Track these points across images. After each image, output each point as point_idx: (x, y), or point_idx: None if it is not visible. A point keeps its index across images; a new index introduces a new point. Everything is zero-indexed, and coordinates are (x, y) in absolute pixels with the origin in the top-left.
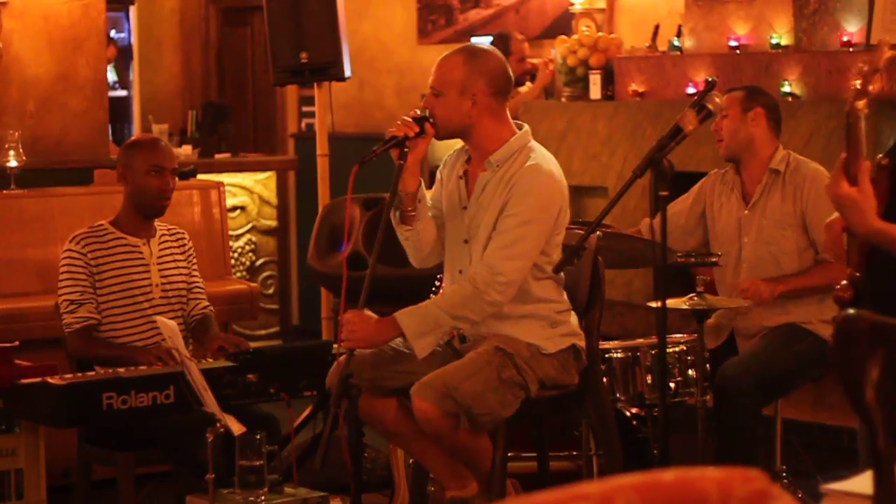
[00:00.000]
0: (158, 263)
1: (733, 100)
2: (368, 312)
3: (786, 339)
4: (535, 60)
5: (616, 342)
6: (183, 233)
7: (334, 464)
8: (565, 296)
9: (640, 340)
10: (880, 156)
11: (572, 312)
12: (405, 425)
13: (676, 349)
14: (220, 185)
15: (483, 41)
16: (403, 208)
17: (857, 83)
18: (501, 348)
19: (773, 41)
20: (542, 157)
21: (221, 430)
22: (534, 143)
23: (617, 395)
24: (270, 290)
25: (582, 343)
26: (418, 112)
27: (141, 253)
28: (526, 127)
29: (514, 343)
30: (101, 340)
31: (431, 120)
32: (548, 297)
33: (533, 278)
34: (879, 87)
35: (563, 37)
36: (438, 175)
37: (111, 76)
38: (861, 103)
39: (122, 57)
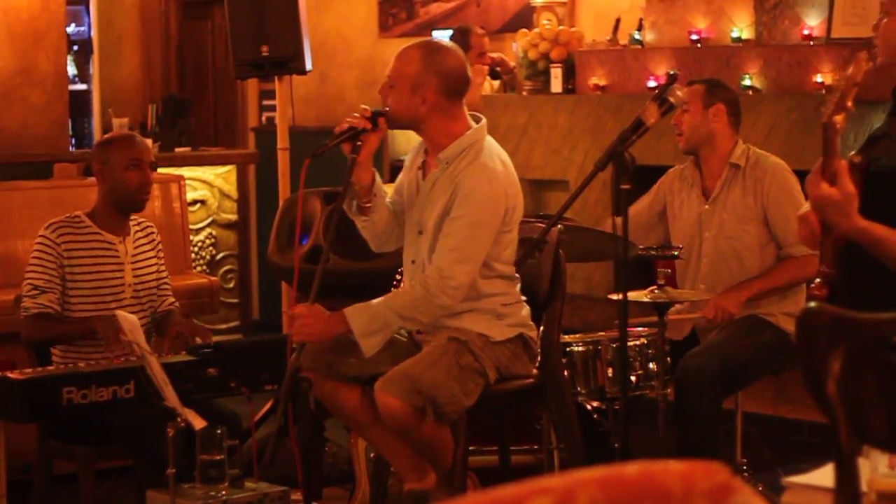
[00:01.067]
0: (133, 263)
1: (694, 94)
2: (319, 307)
3: (747, 331)
4: (494, 55)
5: (577, 335)
6: (152, 226)
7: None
8: (516, 288)
9: (601, 334)
10: (853, 153)
11: (522, 304)
12: (366, 414)
13: (637, 342)
14: (180, 178)
15: (443, 35)
16: (359, 201)
17: (835, 97)
18: (455, 337)
19: (734, 35)
20: (490, 154)
21: (182, 424)
22: (487, 141)
23: (578, 388)
24: (231, 285)
25: (531, 334)
26: (368, 109)
27: (117, 251)
28: (482, 122)
29: (465, 332)
30: (60, 318)
31: (385, 115)
32: (494, 292)
33: (482, 276)
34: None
35: (525, 30)
36: (406, 160)
37: (71, 70)
38: (839, 118)
39: (82, 51)
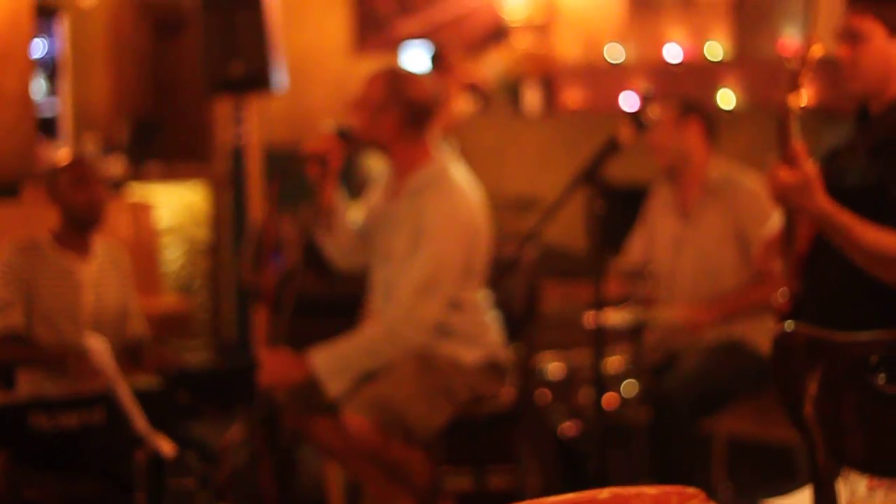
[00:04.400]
0: (94, 286)
1: (668, 112)
2: (284, 351)
3: (723, 355)
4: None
5: (553, 355)
6: (121, 251)
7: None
8: (486, 310)
9: (579, 354)
10: (811, 161)
11: (492, 326)
12: (340, 443)
13: (616, 363)
14: (150, 203)
15: (416, 49)
16: (324, 219)
17: (788, 78)
18: (423, 356)
19: (712, 52)
20: (454, 184)
21: (152, 450)
22: (451, 170)
23: (554, 410)
24: (203, 307)
25: (502, 354)
26: (331, 128)
27: (77, 274)
28: (445, 149)
29: (435, 353)
30: (29, 344)
31: (348, 135)
32: (462, 321)
33: (450, 309)
34: (810, 85)
35: (500, 49)
36: (378, 179)
37: (40, 88)
38: (793, 98)
39: (52, 69)
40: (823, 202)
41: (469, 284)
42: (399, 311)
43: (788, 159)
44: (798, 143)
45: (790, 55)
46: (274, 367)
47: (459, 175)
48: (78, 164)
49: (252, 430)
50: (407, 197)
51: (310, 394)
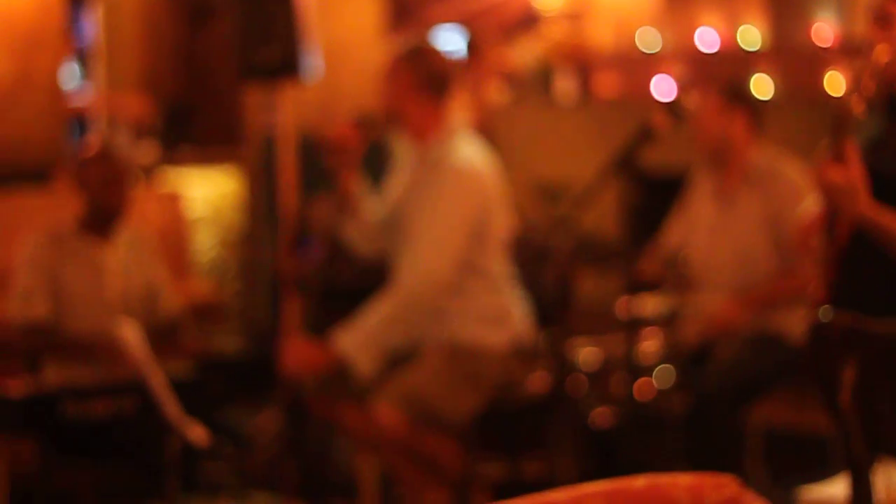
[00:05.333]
0: (122, 270)
1: (712, 99)
2: (308, 341)
3: (759, 347)
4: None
5: (586, 342)
6: (146, 233)
7: (301, 467)
8: (511, 292)
9: (614, 342)
10: None
11: (517, 309)
12: (369, 431)
13: (651, 351)
14: (179, 193)
15: (451, 36)
16: (347, 206)
17: (852, 85)
18: (446, 346)
19: (746, 38)
20: (459, 158)
21: (184, 437)
22: (470, 146)
23: (587, 397)
24: (237, 295)
25: (528, 340)
26: (351, 119)
27: (102, 259)
28: (464, 127)
29: (462, 340)
30: (54, 334)
31: (366, 122)
32: (485, 293)
33: (468, 275)
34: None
35: (534, 37)
36: (402, 160)
37: (74, 74)
38: (857, 105)
39: (85, 55)
40: (866, 207)
41: (485, 252)
42: (409, 273)
43: (839, 157)
44: (851, 145)
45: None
46: (298, 355)
47: (470, 149)
48: (105, 159)
49: (278, 419)
50: (423, 171)
51: (338, 381)
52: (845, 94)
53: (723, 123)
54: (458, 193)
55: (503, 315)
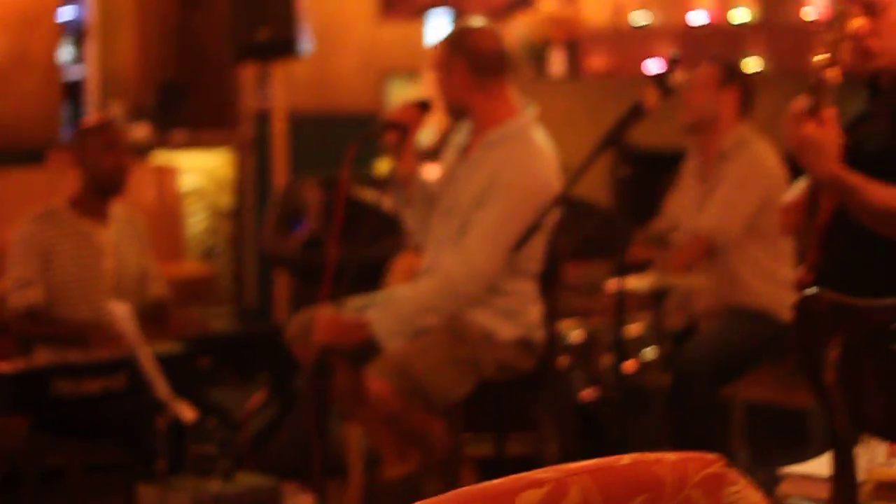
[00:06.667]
0: (114, 250)
1: (710, 74)
2: (344, 313)
3: (744, 321)
4: None
5: (573, 321)
6: (137, 215)
7: (288, 448)
8: (534, 287)
9: (599, 320)
10: None
11: (535, 305)
12: (354, 393)
13: (636, 329)
14: (175, 167)
15: (441, 15)
16: (403, 190)
17: (824, 54)
18: (455, 328)
19: (737, 16)
20: (535, 146)
21: (173, 416)
22: (533, 130)
23: (574, 375)
24: (225, 272)
25: (538, 335)
26: (413, 101)
27: (97, 240)
28: (530, 110)
29: (469, 325)
30: (48, 320)
31: (428, 105)
32: (513, 290)
33: (508, 274)
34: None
35: (526, 13)
36: (454, 142)
37: (67, 53)
38: (831, 73)
39: (79, 34)
40: (834, 166)
41: (532, 253)
42: (461, 267)
43: (817, 117)
44: (832, 109)
45: (825, 26)
46: (331, 326)
47: (541, 138)
48: (107, 129)
49: (304, 386)
50: (482, 149)
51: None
52: (821, 60)
53: (714, 98)
54: (524, 195)
55: (520, 311)
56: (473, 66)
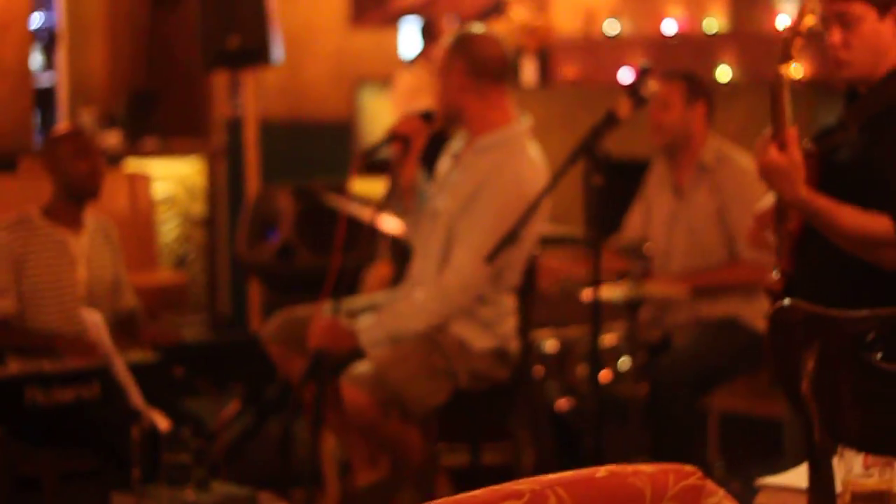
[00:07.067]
0: (87, 259)
1: (676, 90)
2: (339, 320)
3: (720, 332)
4: None
5: (549, 332)
6: (111, 224)
7: (263, 458)
8: (510, 300)
9: (574, 330)
10: (805, 139)
11: (511, 317)
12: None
13: (611, 339)
14: (148, 175)
15: (412, 23)
16: (404, 201)
17: (780, 48)
18: (431, 337)
19: (709, 26)
20: (526, 156)
21: (147, 425)
22: (526, 140)
23: (549, 386)
24: (199, 281)
25: (512, 346)
26: (416, 113)
27: (70, 247)
28: (525, 119)
29: (444, 334)
30: (20, 329)
31: (432, 116)
32: (494, 301)
33: (493, 285)
34: (803, 57)
35: (498, 22)
36: (450, 150)
37: (37, 60)
38: (785, 68)
39: (49, 41)
40: (802, 191)
41: (515, 266)
42: (454, 277)
43: (780, 141)
44: (791, 128)
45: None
46: (326, 330)
47: (533, 148)
48: (79, 135)
49: (296, 390)
50: (473, 153)
51: (303, 338)
52: (776, 82)
53: (685, 116)
54: (513, 203)
55: (497, 322)
56: (471, 69)
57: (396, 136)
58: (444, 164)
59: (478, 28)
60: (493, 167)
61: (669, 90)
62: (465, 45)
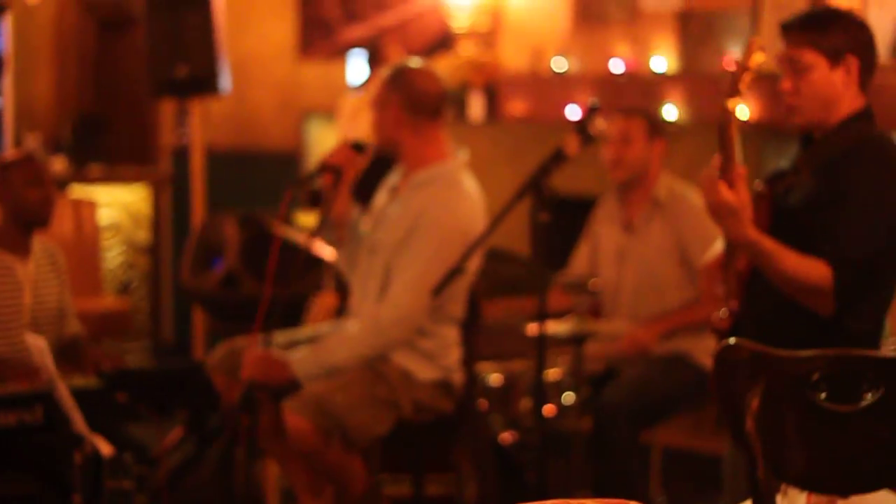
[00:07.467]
0: (33, 285)
1: (638, 126)
2: (272, 352)
3: (666, 367)
4: None
5: (493, 365)
6: (58, 250)
7: (204, 484)
8: (452, 332)
9: (518, 364)
10: (757, 181)
11: (455, 349)
12: (271, 427)
13: (555, 373)
14: (93, 201)
15: (359, 56)
16: (337, 232)
17: (728, 83)
18: (373, 366)
19: (657, 65)
20: (463, 190)
21: (89, 451)
22: (462, 174)
23: (492, 419)
24: (143, 308)
25: (456, 378)
26: (348, 143)
27: (16, 273)
28: (461, 155)
29: (388, 364)
30: None
31: (364, 148)
32: (434, 332)
33: (431, 316)
34: (751, 95)
35: (446, 56)
36: (386, 185)
37: None
38: (732, 103)
39: None
40: (749, 230)
41: (452, 296)
42: (390, 311)
43: (728, 178)
44: (740, 165)
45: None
46: (258, 362)
47: (469, 182)
48: (31, 162)
49: (230, 420)
50: (409, 189)
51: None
52: (724, 117)
53: (646, 152)
54: (449, 237)
55: (440, 353)
56: (408, 104)
57: (327, 168)
58: (380, 197)
59: (415, 62)
60: (429, 202)
61: (630, 126)
62: (402, 80)
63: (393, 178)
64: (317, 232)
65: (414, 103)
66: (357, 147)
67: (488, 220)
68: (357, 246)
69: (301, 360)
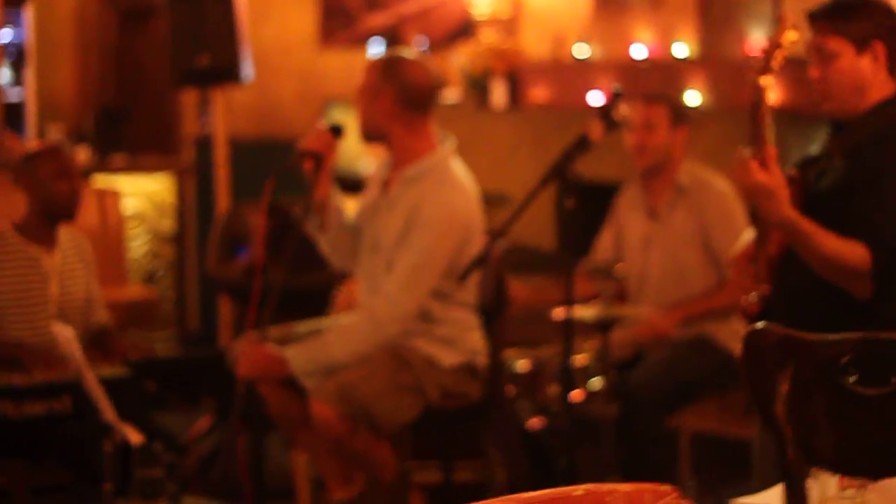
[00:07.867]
0: (60, 276)
1: (661, 112)
2: (266, 346)
3: (692, 350)
4: None
5: (521, 351)
6: (85, 240)
7: (235, 472)
8: (472, 314)
9: (546, 350)
10: (789, 166)
11: (474, 331)
12: (298, 417)
13: (583, 359)
14: (117, 191)
15: (379, 45)
16: (320, 217)
17: (760, 61)
18: (397, 353)
19: (678, 50)
20: (454, 179)
21: (119, 439)
22: (451, 164)
23: (520, 405)
24: (169, 297)
25: (480, 360)
26: (325, 126)
27: (42, 265)
28: (448, 143)
29: (411, 351)
30: None
31: (341, 131)
32: (449, 318)
33: (439, 303)
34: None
35: (468, 44)
36: (373, 175)
37: (5, 76)
38: (764, 80)
39: (17, 58)
40: (788, 211)
41: (455, 283)
42: (385, 307)
43: (760, 159)
44: (771, 147)
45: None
46: (253, 359)
47: (460, 170)
48: (58, 153)
49: (230, 421)
50: (401, 185)
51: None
52: (756, 94)
53: (670, 138)
54: (445, 231)
55: (460, 337)
56: (401, 97)
57: (306, 153)
58: (370, 190)
59: (408, 53)
60: (421, 197)
61: (654, 112)
62: (396, 71)
63: (381, 171)
64: (301, 218)
65: (407, 96)
66: (334, 130)
67: (513, 208)
68: (342, 231)
69: (297, 356)
